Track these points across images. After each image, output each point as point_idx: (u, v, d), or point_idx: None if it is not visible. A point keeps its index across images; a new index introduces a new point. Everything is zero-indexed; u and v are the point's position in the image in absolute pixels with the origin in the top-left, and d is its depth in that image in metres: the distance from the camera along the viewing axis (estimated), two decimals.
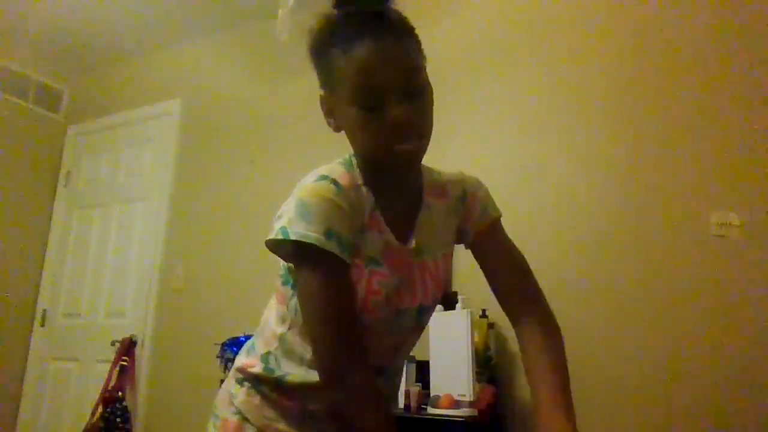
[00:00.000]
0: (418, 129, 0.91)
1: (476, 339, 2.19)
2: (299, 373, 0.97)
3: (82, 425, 3.11)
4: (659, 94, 2.35)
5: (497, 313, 2.34)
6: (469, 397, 2.03)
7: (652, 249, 2.23)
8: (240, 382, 1.04)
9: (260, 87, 3.46)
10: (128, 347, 3.34)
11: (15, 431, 3.62)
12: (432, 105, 0.96)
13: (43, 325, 3.79)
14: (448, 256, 1.07)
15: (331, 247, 0.86)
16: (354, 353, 0.88)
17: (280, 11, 2.64)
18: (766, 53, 2.19)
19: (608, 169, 2.38)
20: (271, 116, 3.35)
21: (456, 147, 2.66)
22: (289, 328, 0.99)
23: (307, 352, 0.97)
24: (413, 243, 0.99)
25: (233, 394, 1.04)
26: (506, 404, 2.30)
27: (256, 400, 1.00)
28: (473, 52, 2.79)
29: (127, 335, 3.38)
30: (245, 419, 1.01)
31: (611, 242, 2.31)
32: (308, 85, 3.51)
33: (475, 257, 1.10)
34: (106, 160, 3.92)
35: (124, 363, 3.27)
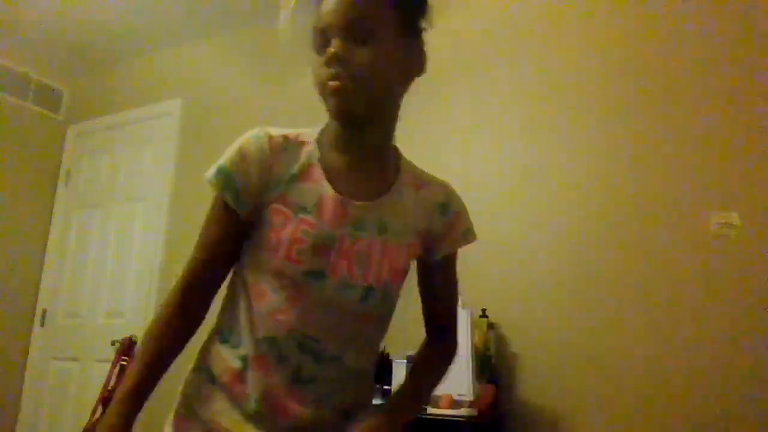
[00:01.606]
0: (352, 69, 0.90)
1: (476, 339, 2.19)
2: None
3: (82, 425, 3.11)
4: (659, 94, 2.35)
5: (497, 313, 2.35)
6: (469, 397, 2.03)
7: (653, 249, 2.23)
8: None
9: (260, 87, 3.46)
10: (128, 347, 3.33)
11: (15, 431, 3.62)
12: (384, 61, 0.93)
13: (43, 325, 3.79)
14: (413, 248, 1.03)
15: (218, 182, 0.94)
16: (183, 291, 0.95)
17: (281, 13, 2.65)
18: (766, 53, 2.20)
19: (608, 169, 2.38)
20: (271, 116, 3.34)
21: (456, 146, 2.66)
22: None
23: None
24: (374, 211, 0.97)
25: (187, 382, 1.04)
26: (506, 404, 2.30)
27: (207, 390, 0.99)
28: (473, 52, 2.79)
29: (127, 335, 3.37)
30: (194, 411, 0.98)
31: (611, 242, 2.30)
32: (309, 85, 3.51)
33: (424, 274, 1.10)
34: (106, 160, 3.92)
35: (124, 363, 3.27)
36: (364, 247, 0.96)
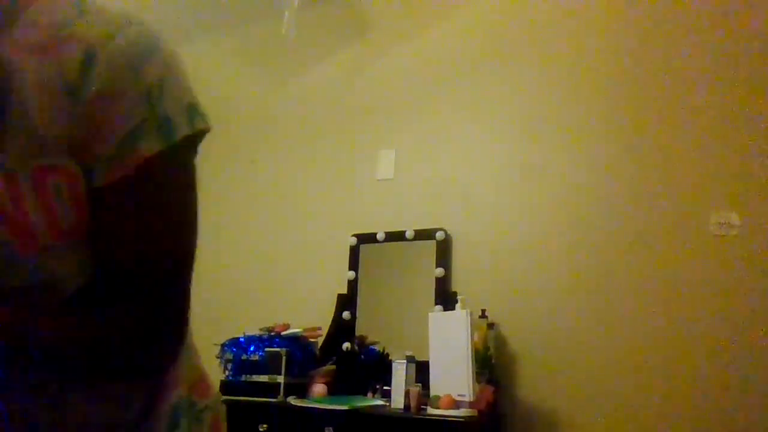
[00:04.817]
0: None
1: (476, 339, 2.19)
2: None
3: None
4: (659, 94, 2.35)
5: (497, 313, 2.35)
6: (469, 397, 2.03)
7: (652, 249, 2.23)
8: None
9: (261, 87, 3.45)
10: None
11: None
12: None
13: None
14: (54, 174, 0.58)
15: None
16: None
17: (286, 12, 2.66)
18: (766, 53, 2.20)
19: (608, 169, 2.38)
20: (272, 116, 3.34)
21: (456, 147, 2.65)
22: None
23: None
24: None
25: None
26: (506, 404, 2.30)
27: None
28: (473, 52, 2.78)
29: None
30: None
31: (611, 242, 2.31)
32: (309, 85, 3.52)
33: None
34: None
35: None
36: None
